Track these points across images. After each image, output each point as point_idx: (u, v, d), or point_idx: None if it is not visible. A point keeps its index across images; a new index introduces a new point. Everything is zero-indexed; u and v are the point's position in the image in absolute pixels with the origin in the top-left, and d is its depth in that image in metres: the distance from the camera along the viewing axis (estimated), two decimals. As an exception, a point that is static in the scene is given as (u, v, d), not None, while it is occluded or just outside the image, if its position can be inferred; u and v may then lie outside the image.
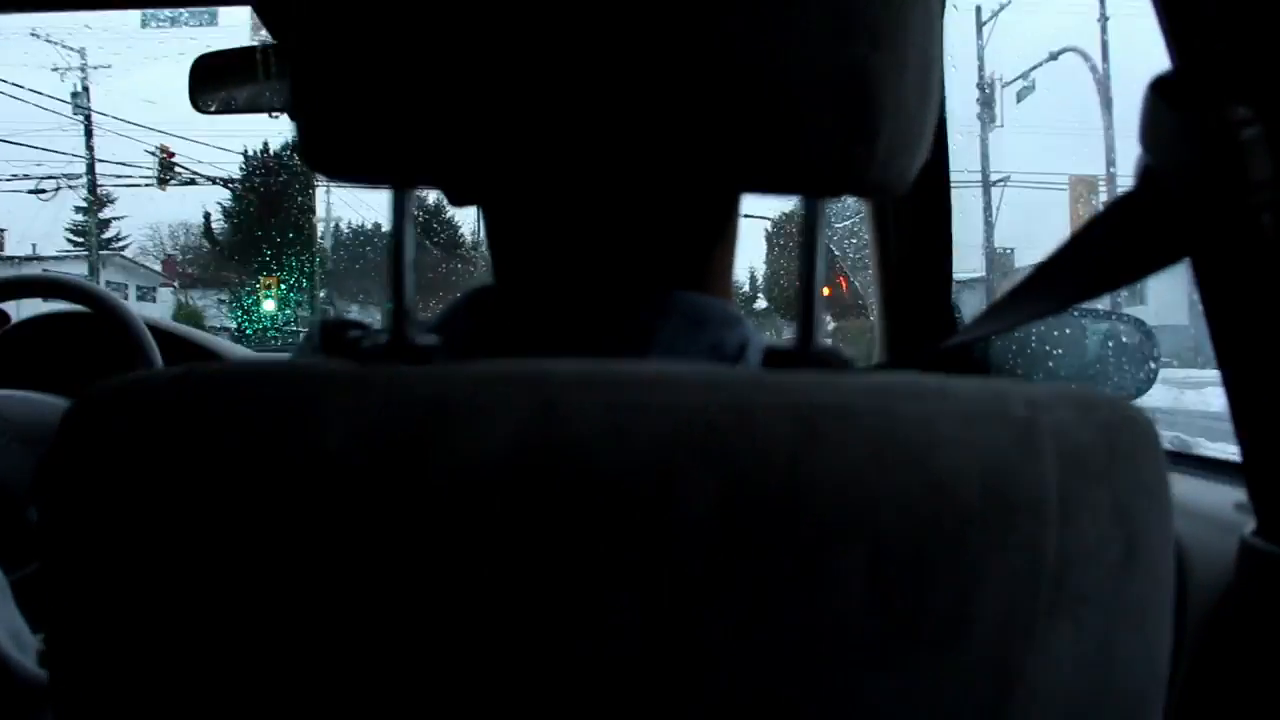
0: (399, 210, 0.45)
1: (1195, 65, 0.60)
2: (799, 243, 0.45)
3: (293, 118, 0.46)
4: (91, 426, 0.44)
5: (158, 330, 1.52)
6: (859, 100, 0.41)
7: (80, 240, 26.59)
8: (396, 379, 0.41)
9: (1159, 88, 0.58)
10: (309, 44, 0.44)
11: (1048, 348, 1.09)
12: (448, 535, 0.38)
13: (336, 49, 0.43)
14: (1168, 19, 0.60)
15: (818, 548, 0.38)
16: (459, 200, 0.62)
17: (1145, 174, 0.57)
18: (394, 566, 0.39)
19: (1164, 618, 0.43)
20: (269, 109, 1.32)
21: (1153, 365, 1.04)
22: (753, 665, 0.38)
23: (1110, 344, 1.07)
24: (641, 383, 0.40)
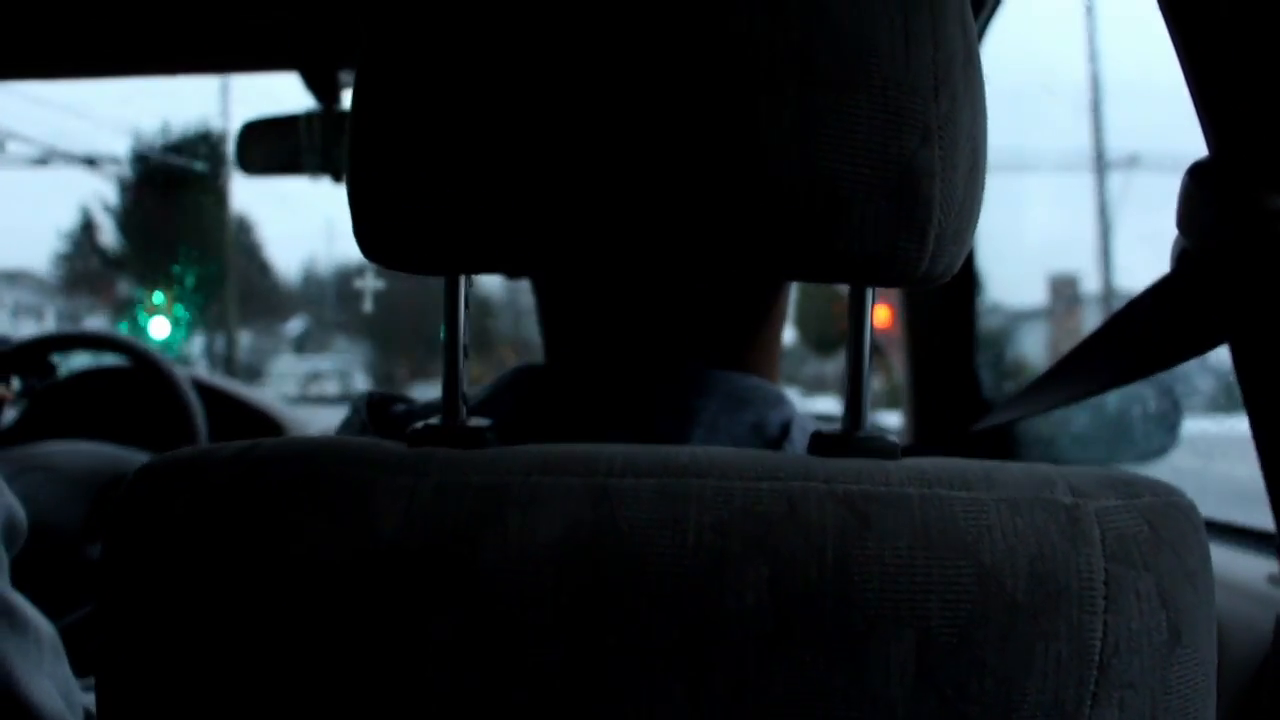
0: (453, 297, 0.46)
1: (1233, 152, 0.60)
2: (845, 329, 0.46)
3: (351, 209, 0.46)
4: (152, 499, 0.44)
5: (201, 385, 1.55)
6: (909, 194, 0.41)
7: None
8: (452, 464, 0.42)
9: (1197, 174, 0.58)
10: (364, 136, 0.45)
11: (1073, 409, 1.09)
12: (501, 621, 0.39)
13: (391, 141, 0.43)
14: (1206, 107, 0.60)
15: (867, 636, 0.38)
16: (513, 277, 0.63)
17: (1183, 258, 0.58)
18: (446, 652, 0.39)
19: (1208, 699, 0.43)
20: (310, 171, 1.35)
21: (1176, 430, 1.04)
22: None
23: (1136, 408, 1.07)
24: (693, 469, 0.41)
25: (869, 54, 0.41)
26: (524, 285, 0.66)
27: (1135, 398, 1.06)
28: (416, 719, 0.39)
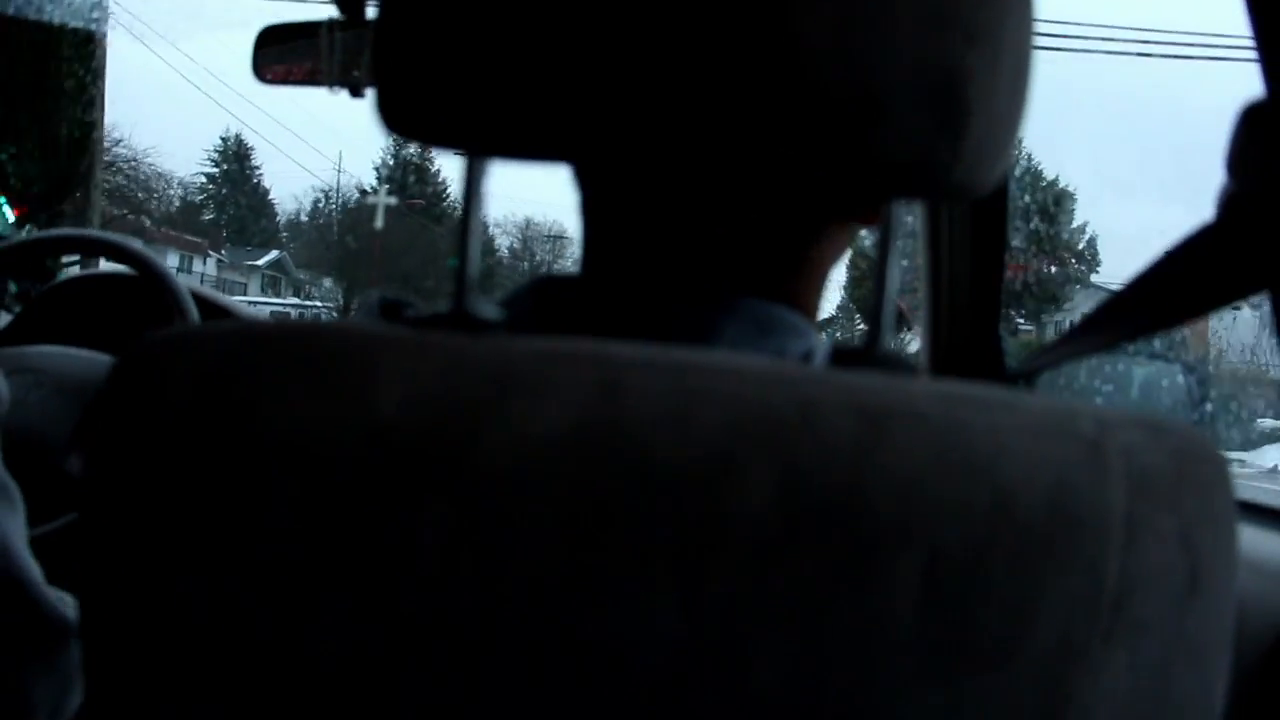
0: (472, 178, 0.45)
1: None
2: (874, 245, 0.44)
3: (373, 78, 0.46)
4: (142, 378, 0.44)
5: (201, 299, 1.54)
6: (949, 97, 0.40)
7: None
8: (456, 347, 0.41)
9: (1249, 116, 0.57)
10: (390, 9, 0.44)
11: (1097, 383, 1.08)
12: (498, 508, 0.38)
13: (421, 10, 0.43)
14: (1263, 46, 0.59)
15: (874, 550, 0.37)
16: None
17: (1229, 201, 0.57)
18: (440, 537, 0.38)
19: (1223, 656, 0.42)
20: (330, 83, 1.33)
21: (1206, 409, 1.03)
22: (795, 666, 0.38)
23: (1164, 383, 1.06)
24: (705, 370, 0.40)
25: None
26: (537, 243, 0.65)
27: (1161, 370, 1.04)
28: (404, 602, 0.39)
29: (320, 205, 40.42)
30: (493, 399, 0.39)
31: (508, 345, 0.41)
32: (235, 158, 41.52)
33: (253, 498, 0.40)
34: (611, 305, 0.55)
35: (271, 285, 37.95)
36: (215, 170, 41.67)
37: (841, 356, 0.44)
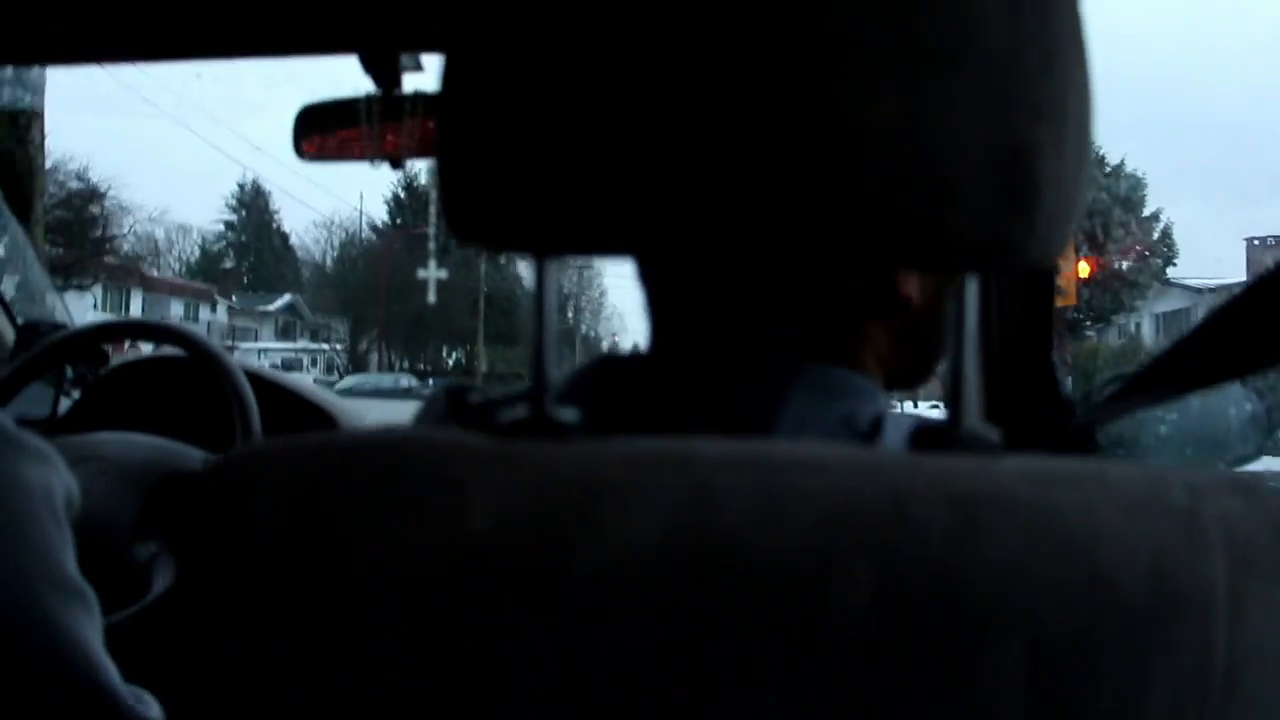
0: (541, 280, 0.46)
1: None
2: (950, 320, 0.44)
3: (440, 188, 0.47)
4: (231, 495, 0.45)
5: (255, 377, 1.56)
6: (1019, 176, 0.40)
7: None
8: (544, 458, 0.41)
9: None
10: (455, 110, 0.45)
11: (1159, 410, 1.06)
12: (596, 619, 0.38)
13: (483, 116, 0.43)
14: None
15: (976, 639, 0.37)
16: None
17: None
18: (538, 650, 0.38)
19: None
20: (370, 157, 1.36)
21: (1273, 432, 1.01)
22: None
23: (1230, 409, 1.04)
24: (794, 465, 0.40)
25: (975, 29, 0.40)
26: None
27: (1228, 396, 1.03)
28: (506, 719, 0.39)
29: (329, 244, 40.53)
30: (584, 510, 0.39)
31: (594, 453, 0.41)
32: (253, 203, 41.98)
33: (348, 620, 0.40)
34: (678, 382, 0.56)
35: (286, 330, 37.93)
36: (233, 217, 42.21)
37: (923, 437, 0.44)
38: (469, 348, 37.88)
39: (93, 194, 26.78)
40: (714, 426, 0.48)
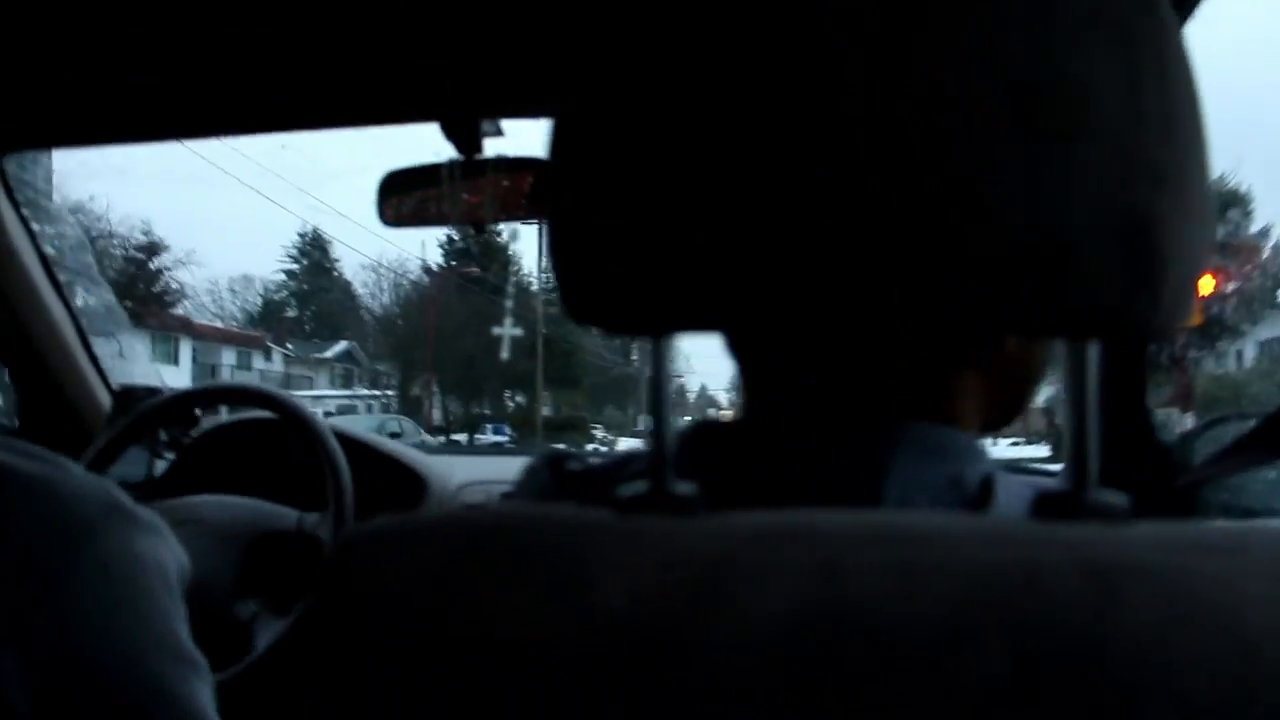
0: (658, 357, 0.46)
1: None
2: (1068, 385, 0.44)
3: (554, 270, 0.48)
4: (357, 573, 0.46)
5: (343, 437, 1.60)
6: (1144, 246, 0.40)
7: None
8: (670, 535, 0.42)
9: None
10: (564, 195, 0.45)
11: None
12: (729, 695, 0.38)
13: (593, 201, 0.44)
14: None
15: (1119, 711, 0.37)
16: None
17: None
18: None
19: None
20: (454, 222, 1.39)
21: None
22: None
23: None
24: (924, 539, 0.40)
25: (1093, 95, 0.40)
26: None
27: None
28: None
29: (378, 286, 40.43)
30: (714, 587, 0.39)
31: (720, 529, 0.42)
32: (314, 252, 42.29)
33: (475, 698, 0.41)
34: (780, 448, 0.56)
35: (344, 378, 37.55)
36: (295, 266, 42.54)
37: (1047, 504, 0.44)
38: (528, 392, 37.63)
39: (150, 248, 27.50)
40: (820, 494, 0.48)
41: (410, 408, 34.69)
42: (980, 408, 0.60)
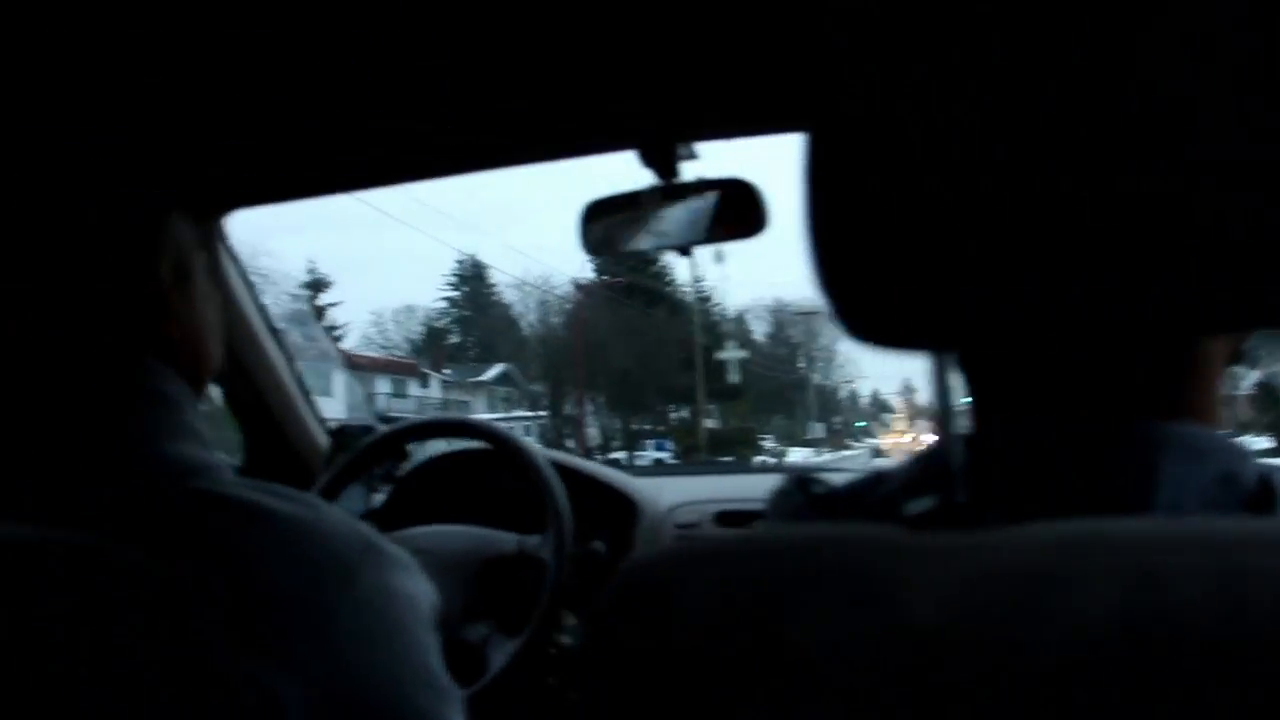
0: (941, 374, 0.47)
1: None
2: None
3: (822, 287, 0.48)
4: (653, 593, 0.47)
5: (561, 466, 1.65)
6: None
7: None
8: (977, 549, 0.42)
9: None
10: (827, 211, 0.46)
11: None
12: (1054, 706, 0.38)
13: (861, 220, 0.45)
14: None
15: None
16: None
17: None
18: None
19: None
20: (659, 247, 1.41)
21: None
22: None
23: None
24: (1244, 544, 0.39)
25: None
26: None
27: None
28: None
29: (525, 305, 40.99)
30: (1029, 599, 0.39)
31: (1026, 540, 0.41)
32: (473, 278, 43.65)
33: (786, 714, 0.42)
34: (1043, 463, 0.54)
35: (505, 400, 37.94)
36: (455, 294, 44.00)
37: None
38: (690, 405, 37.48)
39: (315, 284, 28.83)
40: (1091, 502, 0.48)
41: (566, 427, 35.17)
42: (1217, 404, 0.58)
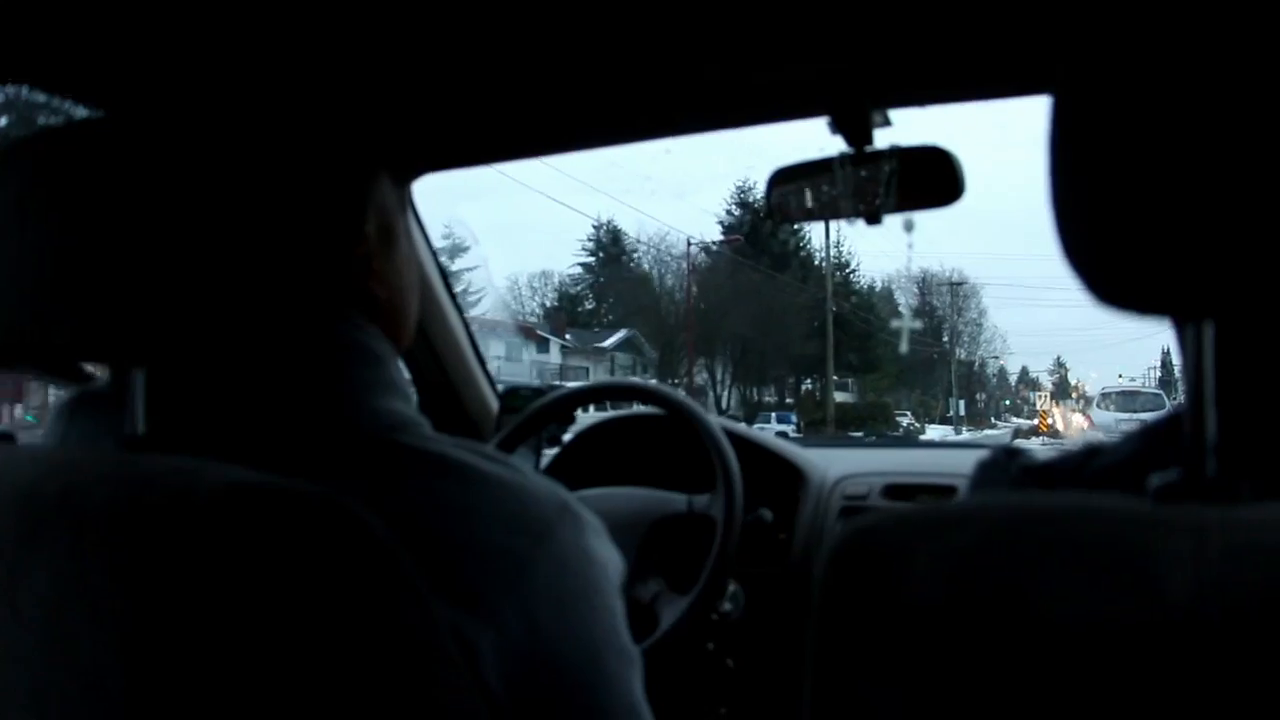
0: (1196, 341, 0.46)
1: None
2: None
3: (1065, 255, 0.48)
4: (881, 559, 0.47)
5: (729, 433, 1.66)
6: None
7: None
8: (1232, 524, 0.41)
9: None
10: (1080, 182, 0.46)
11: None
12: None
13: (1116, 184, 0.44)
14: None
15: None
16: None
17: None
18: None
19: None
20: (847, 215, 1.41)
21: None
22: None
23: None
24: None
25: None
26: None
27: None
28: None
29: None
30: None
31: None
32: (611, 243, 43.22)
33: (1014, 684, 0.42)
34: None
35: (628, 369, 37.25)
36: (591, 259, 43.75)
37: None
38: (818, 376, 36.64)
39: (452, 250, 29.40)
40: None
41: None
42: None
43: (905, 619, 0.46)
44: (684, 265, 36.43)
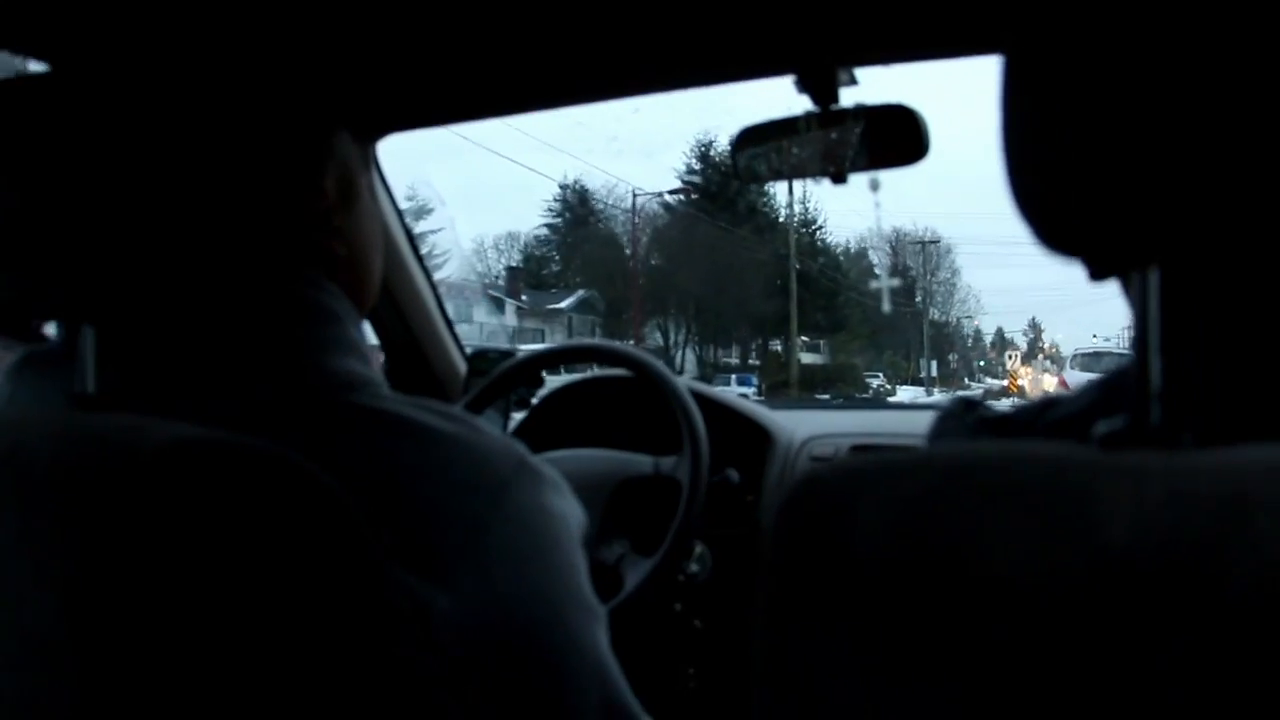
0: (1143, 292, 0.46)
1: None
2: None
3: (1016, 203, 0.49)
4: (829, 508, 0.48)
5: (700, 395, 1.67)
6: None
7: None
8: (1173, 470, 0.41)
9: None
10: (1029, 133, 0.46)
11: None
12: (1256, 639, 0.37)
13: (1063, 135, 0.45)
14: None
15: None
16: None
17: None
18: (1187, 672, 0.38)
19: None
20: (812, 174, 1.41)
21: None
22: None
23: None
24: None
25: None
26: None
27: None
28: None
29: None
30: (1232, 525, 0.38)
31: (1229, 464, 0.40)
32: (579, 203, 42.68)
33: (960, 632, 0.42)
34: (1239, 380, 0.53)
35: (587, 330, 36.73)
36: (557, 220, 43.25)
37: None
38: (782, 337, 35.96)
39: (417, 211, 29.14)
40: None
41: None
42: None
43: (853, 568, 0.46)
44: (638, 220, 35.98)
